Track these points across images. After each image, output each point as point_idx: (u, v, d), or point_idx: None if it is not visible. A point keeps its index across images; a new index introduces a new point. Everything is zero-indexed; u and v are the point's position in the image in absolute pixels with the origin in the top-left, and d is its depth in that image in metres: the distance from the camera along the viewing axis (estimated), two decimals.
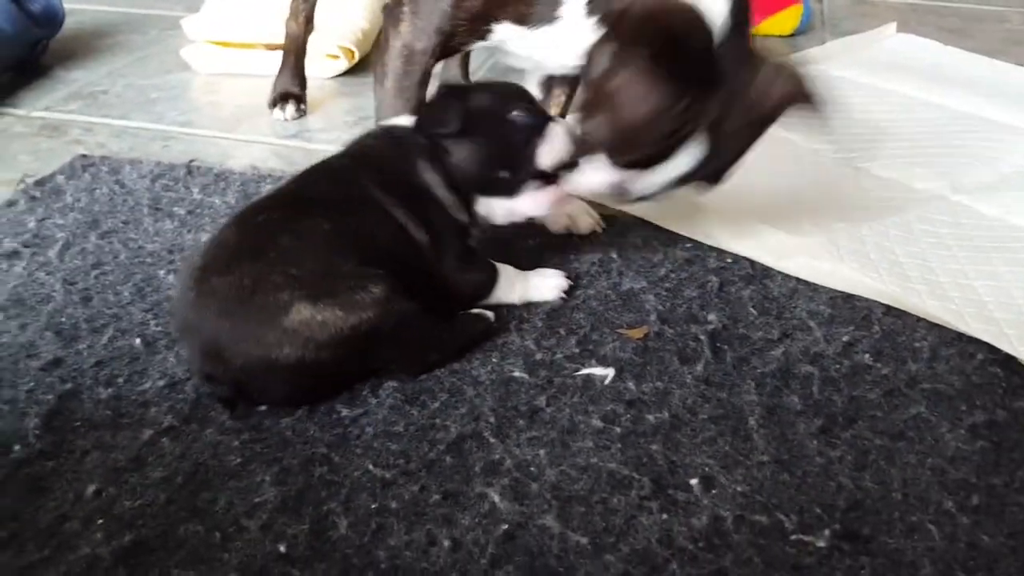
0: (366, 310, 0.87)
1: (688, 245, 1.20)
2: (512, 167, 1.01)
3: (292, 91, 1.63)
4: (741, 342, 1.01)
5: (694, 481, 0.83)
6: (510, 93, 1.04)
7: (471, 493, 0.81)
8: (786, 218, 1.23)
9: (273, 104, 1.61)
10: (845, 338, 1.02)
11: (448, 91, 1.05)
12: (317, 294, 0.86)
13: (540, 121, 1.02)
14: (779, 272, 1.14)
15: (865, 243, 1.19)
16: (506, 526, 0.78)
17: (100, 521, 0.78)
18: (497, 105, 1.01)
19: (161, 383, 0.94)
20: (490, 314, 1.02)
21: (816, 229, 1.22)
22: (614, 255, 1.18)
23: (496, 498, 0.81)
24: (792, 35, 2.08)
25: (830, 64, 1.83)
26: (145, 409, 0.91)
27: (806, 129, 1.50)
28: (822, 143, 1.48)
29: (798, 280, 1.13)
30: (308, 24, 1.63)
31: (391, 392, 0.93)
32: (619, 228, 1.24)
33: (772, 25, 2.06)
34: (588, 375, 0.96)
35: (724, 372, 0.96)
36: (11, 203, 1.30)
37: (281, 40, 1.65)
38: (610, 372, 0.96)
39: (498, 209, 1.04)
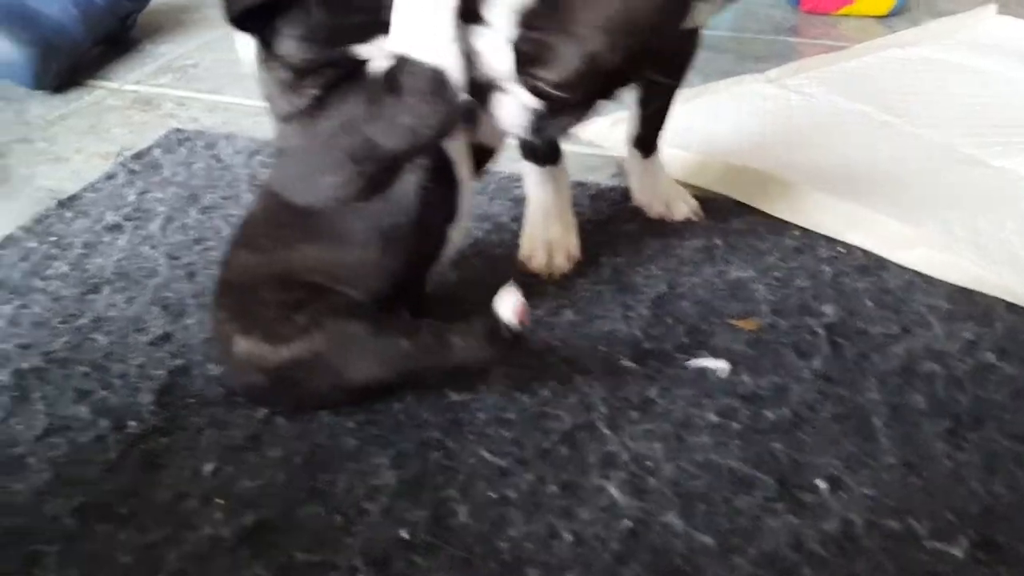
0: (292, 341, 0.80)
1: (796, 233, 1.16)
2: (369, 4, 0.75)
3: None
4: (860, 337, 0.97)
5: (820, 482, 0.80)
6: None
7: (589, 485, 0.80)
8: (896, 206, 1.19)
9: None
10: (967, 335, 0.98)
11: None
12: (245, 327, 0.82)
13: None
14: (893, 263, 1.10)
15: (982, 235, 1.14)
16: (628, 522, 0.76)
17: (219, 500, 0.78)
18: None
19: None
20: (509, 318, 0.81)
21: (930, 219, 1.17)
22: (718, 241, 1.15)
23: (615, 492, 0.79)
24: (887, 15, 2.01)
25: (927, 46, 1.78)
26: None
27: (909, 113, 1.47)
28: (926, 128, 1.43)
29: (914, 272, 1.08)
30: None
31: (499, 378, 0.92)
32: (721, 213, 1.21)
33: (867, 5, 2.00)
34: (701, 367, 0.93)
35: (844, 368, 0.93)
36: (110, 176, 1.31)
37: None
38: (724, 365, 0.93)
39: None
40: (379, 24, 0.74)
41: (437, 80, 0.73)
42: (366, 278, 0.83)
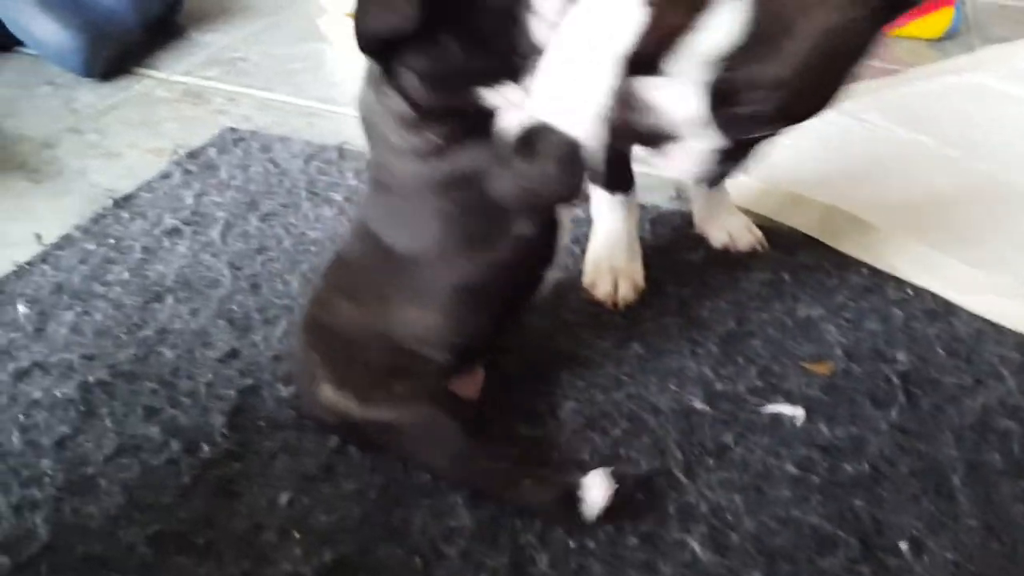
0: (382, 407, 0.79)
1: (864, 271, 1.14)
2: (503, 50, 0.70)
3: None
4: (934, 387, 0.96)
5: (903, 544, 0.79)
6: None
7: (669, 538, 0.79)
8: (963, 248, 1.17)
9: None
10: None
11: None
12: (338, 381, 0.80)
13: None
14: (963, 309, 1.08)
15: None
16: None
17: (296, 534, 0.77)
18: None
19: None
20: (593, 501, 0.77)
21: (997, 264, 1.15)
22: (785, 275, 1.13)
23: (696, 547, 0.78)
24: (940, 39, 1.99)
25: (983, 74, 1.75)
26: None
27: (969, 146, 1.46)
28: (986, 162, 1.41)
29: (983, 319, 1.07)
30: None
31: (570, 414, 0.91)
32: (786, 245, 1.19)
33: (920, 27, 1.97)
34: (776, 413, 0.92)
35: (920, 420, 0.92)
36: (166, 175, 1.29)
37: None
38: (800, 412, 0.92)
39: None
40: (512, 70, 0.70)
41: (574, 152, 0.68)
42: (455, 335, 0.80)
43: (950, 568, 0.77)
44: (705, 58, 0.68)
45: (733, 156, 0.78)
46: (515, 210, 0.74)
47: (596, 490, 0.77)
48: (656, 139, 0.75)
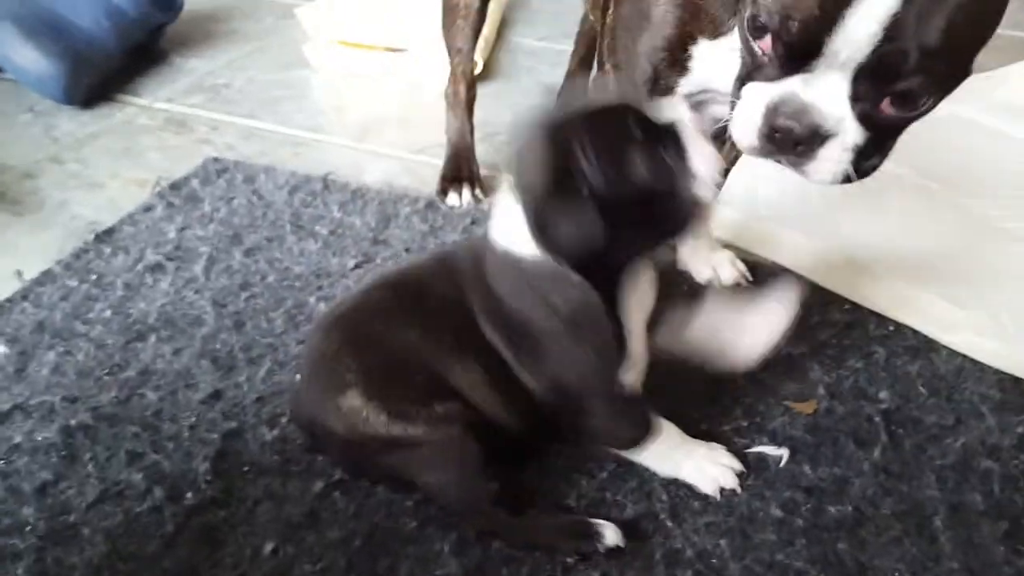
0: (412, 424, 0.78)
1: (846, 307, 1.15)
2: (668, 217, 0.74)
3: (462, 174, 1.38)
4: (916, 426, 0.97)
5: None
6: (618, 129, 0.71)
7: None
8: (941, 284, 1.18)
9: (443, 192, 1.35)
10: (1020, 429, 0.98)
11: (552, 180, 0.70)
12: (372, 391, 0.79)
13: (666, 140, 0.72)
14: (943, 346, 1.09)
15: None
16: None
17: None
18: (615, 163, 0.70)
19: None
20: (610, 536, 0.81)
21: (975, 300, 1.16)
22: None
23: None
24: None
25: (960, 106, 1.77)
26: (312, 456, 0.89)
27: (946, 179, 1.47)
28: (964, 197, 1.43)
29: (963, 356, 1.08)
30: (471, 89, 1.40)
31: (555, 455, 0.91)
32: (767, 280, 1.20)
33: None
34: (760, 454, 0.92)
35: (903, 461, 0.92)
36: (148, 208, 1.29)
37: (402, 44, 1.60)
38: (784, 452, 0.92)
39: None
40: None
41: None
42: (510, 409, 0.82)
43: None
44: (865, 30, 0.66)
45: (876, 150, 0.77)
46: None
47: (611, 529, 0.81)
48: (807, 144, 0.73)
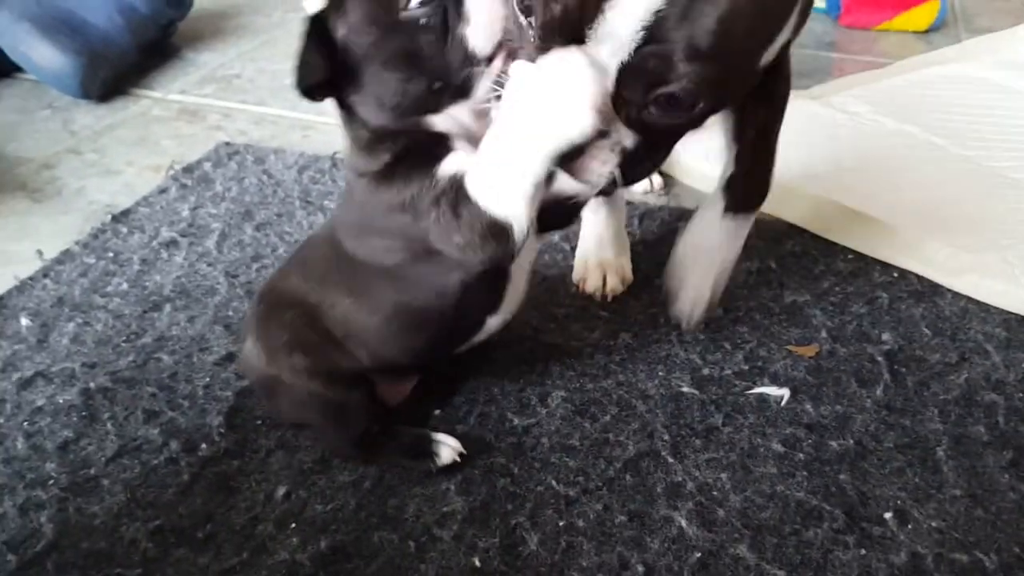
0: (282, 370, 0.81)
1: (850, 256, 1.16)
2: (439, 71, 0.68)
3: None
4: (919, 365, 0.98)
5: (888, 515, 0.80)
6: None
7: (656, 515, 0.80)
8: (949, 232, 1.19)
9: None
10: None
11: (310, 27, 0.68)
12: (259, 333, 0.83)
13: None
14: (948, 289, 1.10)
15: None
16: (699, 553, 0.76)
17: (293, 525, 0.79)
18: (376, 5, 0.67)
19: None
20: (449, 448, 0.84)
21: (982, 245, 1.17)
22: (772, 264, 1.15)
23: (683, 522, 0.79)
24: (927, 31, 2.01)
25: (968, 64, 1.77)
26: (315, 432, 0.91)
27: (955, 135, 1.47)
28: (972, 151, 1.42)
29: (968, 299, 1.08)
30: None
31: (560, 402, 0.93)
32: (773, 235, 1.21)
33: (906, 20, 1.99)
34: (762, 394, 0.94)
35: (905, 397, 0.93)
36: (163, 190, 1.32)
37: None
38: (785, 392, 0.93)
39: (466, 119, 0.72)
40: (455, 91, 0.68)
41: (500, 230, 0.67)
42: (381, 345, 0.82)
43: (935, 536, 0.78)
44: (626, 28, 0.60)
45: (647, 157, 0.69)
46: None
47: (447, 449, 0.84)
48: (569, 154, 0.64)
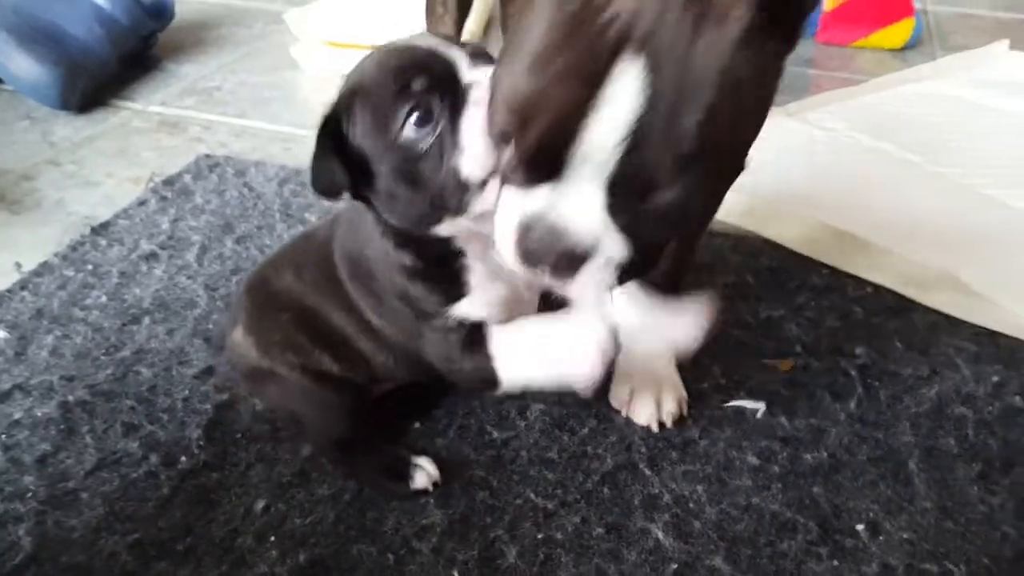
0: (274, 362, 0.84)
1: (825, 272, 1.18)
2: (436, 192, 0.68)
3: None
4: (891, 379, 0.99)
5: (860, 527, 0.82)
6: (393, 84, 0.68)
7: (633, 527, 0.81)
8: (922, 247, 1.21)
9: None
10: (994, 378, 1.00)
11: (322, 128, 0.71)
12: (251, 327, 0.85)
13: (449, 98, 0.67)
14: (921, 304, 1.12)
15: (1005, 278, 1.16)
16: (675, 565, 0.78)
17: (272, 538, 0.79)
18: (380, 117, 0.68)
19: None
20: (426, 474, 0.85)
21: (956, 261, 1.19)
22: (749, 279, 1.17)
23: (659, 534, 0.80)
24: (902, 49, 2.04)
25: (943, 82, 1.80)
26: (301, 423, 0.92)
27: (929, 151, 1.50)
28: (946, 167, 1.45)
29: (940, 313, 1.10)
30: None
31: (538, 415, 0.94)
32: (749, 250, 1.23)
33: (882, 38, 2.03)
34: (738, 407, 0.95)
35: (878, 411, 0.95)
36: (142, 202, 1.32)
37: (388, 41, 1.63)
38: (761, 406, 0.95)
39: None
40: (454, 210, 0.69)
41: (493, 380, 0.74)
42: (365, 359, 0.85)
43: (906, 547, 0.80)
44: (609, 141, 0.57)
45: (643, 259, 0.65)
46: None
47: (422, 475, 0.85)
48: (564, 267, 0.63)
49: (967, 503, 0.85)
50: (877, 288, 1.15)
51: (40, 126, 1.60)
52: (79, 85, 1.64)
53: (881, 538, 0.80)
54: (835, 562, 0.78)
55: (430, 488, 0.84)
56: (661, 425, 0.92)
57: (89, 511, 0.82)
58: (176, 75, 1.83)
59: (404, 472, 0.84)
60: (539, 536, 0.80)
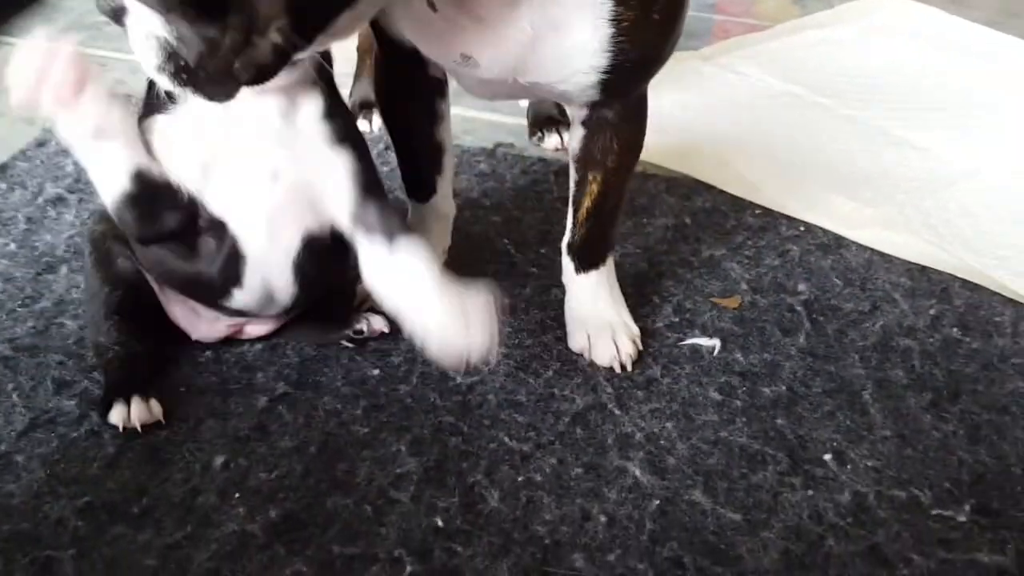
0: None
1: (758, 211, 1.20)
2: None
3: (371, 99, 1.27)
4: (835, 313, 1.02)
5: (827, 456, 0.83)
6: None
7: (610, 467, 0.81)
8: (847, 187, 1.24)
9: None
10: (931, 312, 1.03)
11: None
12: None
13: None
14: (853, 241, 1.15)
15: (930, 215, 1.21)
16: (657, 501, 0.77)
17: (237, 495, 0.75)
18: None
19: (259, 346, 0.90)
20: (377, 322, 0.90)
21: (881, 199, 1.23)
22: (687, 220, 1.17)
23: (637, 472, 0.80)
24: None
25: (843, 28, 1.85)
26: (251, 374, 0.87)
27: (838, 95, 1.54)
28: (856, 110, 1.49)
29: (872, 250, 1.14)
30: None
31: (501, 359, 0.91)
32: (684, 192, 1.23)
33: None
34: (694, 345, 0.95)
35: (827, 344, 0.97)
36: (41, 143, 1.22)
37: None
38: (716, 343, 0.95)
39: None
40: None
41: None
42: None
43: (872, 475, 0.82)
44: None
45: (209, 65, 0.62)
46: None
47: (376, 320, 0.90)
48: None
49: (922, 431, 0.87)
50: (809, 227, 1.18)
51: None
52: None
53: (848, 467, 0.82)
54: (809, 492, 0.79)
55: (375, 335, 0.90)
56: (623, 367, 0.91)
57: (27, 475, 0.75)
58: (60, 9, 1.69)
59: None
60: (519, 479, 0.78)
